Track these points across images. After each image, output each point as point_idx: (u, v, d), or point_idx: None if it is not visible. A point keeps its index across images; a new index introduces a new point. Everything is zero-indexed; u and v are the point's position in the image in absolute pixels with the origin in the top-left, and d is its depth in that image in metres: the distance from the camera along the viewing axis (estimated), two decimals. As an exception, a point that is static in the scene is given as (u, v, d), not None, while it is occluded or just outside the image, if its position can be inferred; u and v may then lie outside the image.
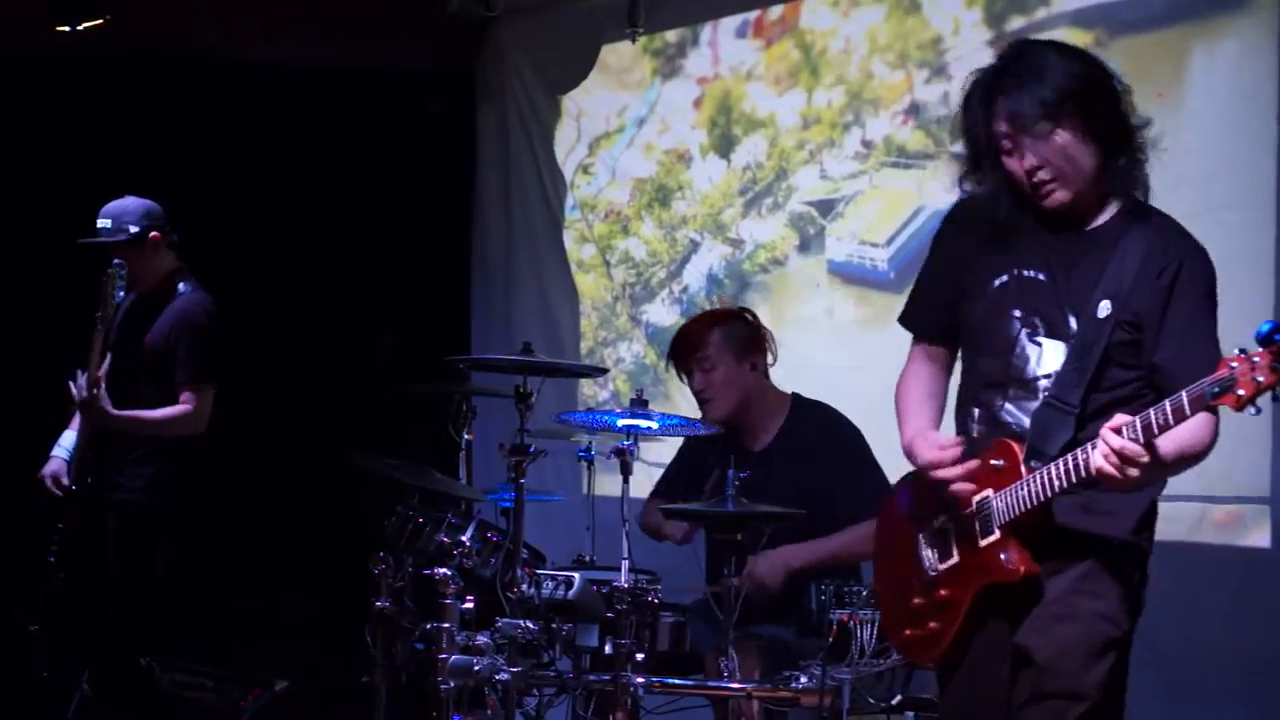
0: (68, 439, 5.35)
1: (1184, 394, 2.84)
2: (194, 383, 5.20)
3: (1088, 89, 3.11)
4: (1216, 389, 2.78)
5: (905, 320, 3.45)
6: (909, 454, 3.30)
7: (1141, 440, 2.88)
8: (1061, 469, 3.03)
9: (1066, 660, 3.07)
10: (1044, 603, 3.11)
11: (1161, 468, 2.97)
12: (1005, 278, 3.21)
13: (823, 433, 4.74)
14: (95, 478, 5.21)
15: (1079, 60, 3.16)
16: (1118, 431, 2.89)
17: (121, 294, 5.13)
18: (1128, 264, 3.10)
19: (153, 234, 5.23)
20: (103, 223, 5.25)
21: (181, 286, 5.30)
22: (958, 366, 3.40)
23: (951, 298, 3.31)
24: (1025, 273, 3.19)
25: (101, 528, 5.19)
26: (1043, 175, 3.11)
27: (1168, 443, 2.93)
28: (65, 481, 5.25)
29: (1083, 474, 2.99)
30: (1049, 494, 3.06)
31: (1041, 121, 3.09)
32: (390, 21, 6.72)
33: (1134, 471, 2.90)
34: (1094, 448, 2.94)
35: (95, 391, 5.04)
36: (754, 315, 4.92)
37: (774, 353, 4.86)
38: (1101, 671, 3.07)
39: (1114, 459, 2.89)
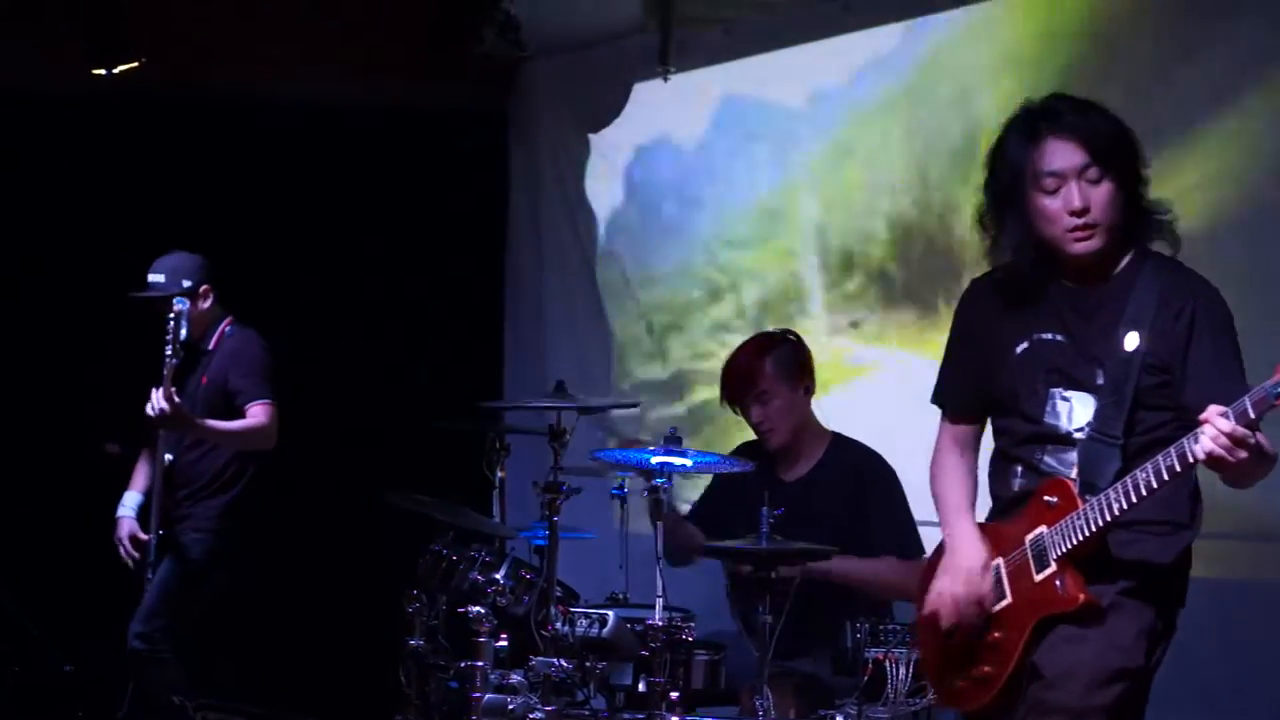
0: (130, 499, 5.56)
1: (1246, 399, 2.89)
2: (259, 398, 5.39)
3: (1127, 144, 3.20)
4: (1278, 390, 2.82)
5: (936, 399, 3.51)
6: (950, 555, 3.34)
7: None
8: (1120, 490, 3.05)
9: (1072, 680, 3.10)
10: (1061, 626, 3.14)
11: (1261, 457, 2.97)
12: (1025, 344, 3.27)
13: (859, 469, 4.72)
14: (171, 515, 5.39)
15: (1116, 118, 3.24)
16: (1225, 416, 2.91)
17: (185, 334, 5.24)
18: (1146, 301, 3.17)
19: (204, 287, 5.41)
20: (156, 277, 5.44)
21: (227, 329, 5.50)
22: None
23: (976, 375, 3.38)
24: (1044, 336, 3.25)
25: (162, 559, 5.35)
26: (1087, 219, 3.16)
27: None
28: (142, 537, 5.42)
29: (1144, 491, 3.01)
30: (1107, 519, 3.08)
31: (1095, 166, 3.15)
32: (423, 62, 6.77)
33: (1243, 454, 2.90)
34: (1194, 441, 2.94)
35: (174, 403, 5.15)
36: (797, 335, 4.90)
37: (814, 375, 4.85)
38: (1107, 698, 3.09)
39: (1223, 440, 2.90)
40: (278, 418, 5.40)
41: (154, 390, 5.17)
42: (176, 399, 5.17)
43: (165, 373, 5.16)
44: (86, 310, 6.67)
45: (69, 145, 6.73)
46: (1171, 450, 3.00)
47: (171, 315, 5.18)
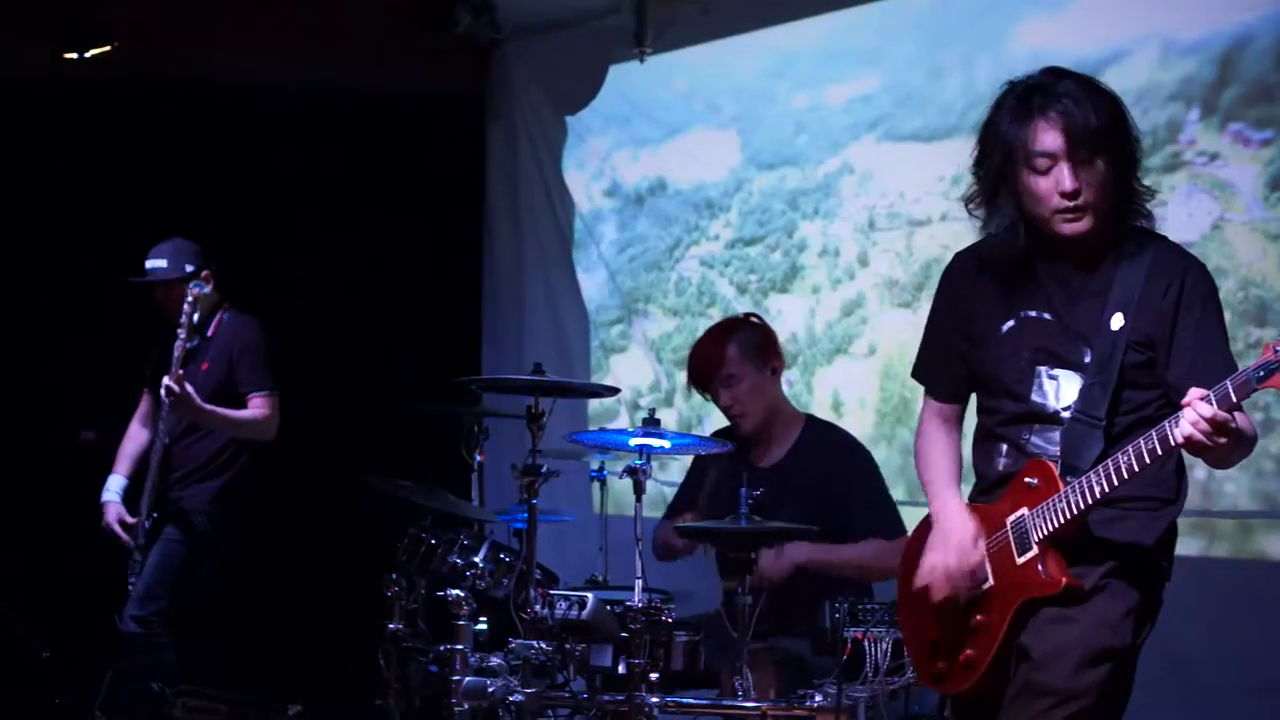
0: (114, 483, 5.60)
1: (1228, 383, 2.86)
2: (261, 390, 5.51)
3: (1122, 124, 3.15)
4: (1261, 373, 2.81)
5: (917, 375, 3.48)
6: (938, 529, 3.29)
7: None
8: (1102, 473, 3.04)
9: (1060, 660, 3.09)
10: (1048, 607, 3.13)
11: (1240, 440, 2.97)
12: (1011, 322, 3.24)
13: (835, 453, 4.73)
14: (163, 499, 5.45)
15: (1111, 95, 3.18)
16: (1206, 400, 2.89)
17: (197, 317, 5.36)
18: (1133, 281, 3.14)
19: (205, 271, 5.47)
20: (157, 263, 5.53)
21: (225, 316, 5.58)
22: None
23: (960, 351, 3.34)
24: (1030, 314, 3.22)
25: (153, 541, 5.42)
26: (1077, 202, 3.12)
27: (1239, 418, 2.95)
28: (130, 520, 5.47)
29: (1125, 474, 3.00)
30: (1088, 502, 3.07)
31: (1088, 148, 3.11)
32: (399, 44, 6.75)
33: (1223, 439, 2.89)
34: (1175, 424, 2.93)
35: (184, 386, 5.22)
36: (760, 318, 4.92)
37: (782, 356, 4.85)
38: (1095, 677, 3.08)
39: (1203, 425, 2.88)
40: (278, 407, 5.52)
41: (164, 377, 5.24)
42: (186, 384, 5.23)
43: (175, 355, 5.25)
44: (63, 297, 6.65)
45: (40, 130, 6.69)
46: (1153, 433, 2.98)
47: (189, 299, 5.27)
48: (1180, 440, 2.91)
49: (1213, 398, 2.88)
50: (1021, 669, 3.14)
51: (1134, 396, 3.14)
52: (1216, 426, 2.87)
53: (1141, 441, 2.99)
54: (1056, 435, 3.18)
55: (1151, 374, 3.13)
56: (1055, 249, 3.20)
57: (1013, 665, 3.16)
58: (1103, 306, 3.15)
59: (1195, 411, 2.87)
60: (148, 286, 5.52)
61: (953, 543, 3.22)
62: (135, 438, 5.70)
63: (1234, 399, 2.86)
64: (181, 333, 5.26)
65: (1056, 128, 3.09)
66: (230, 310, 5.61)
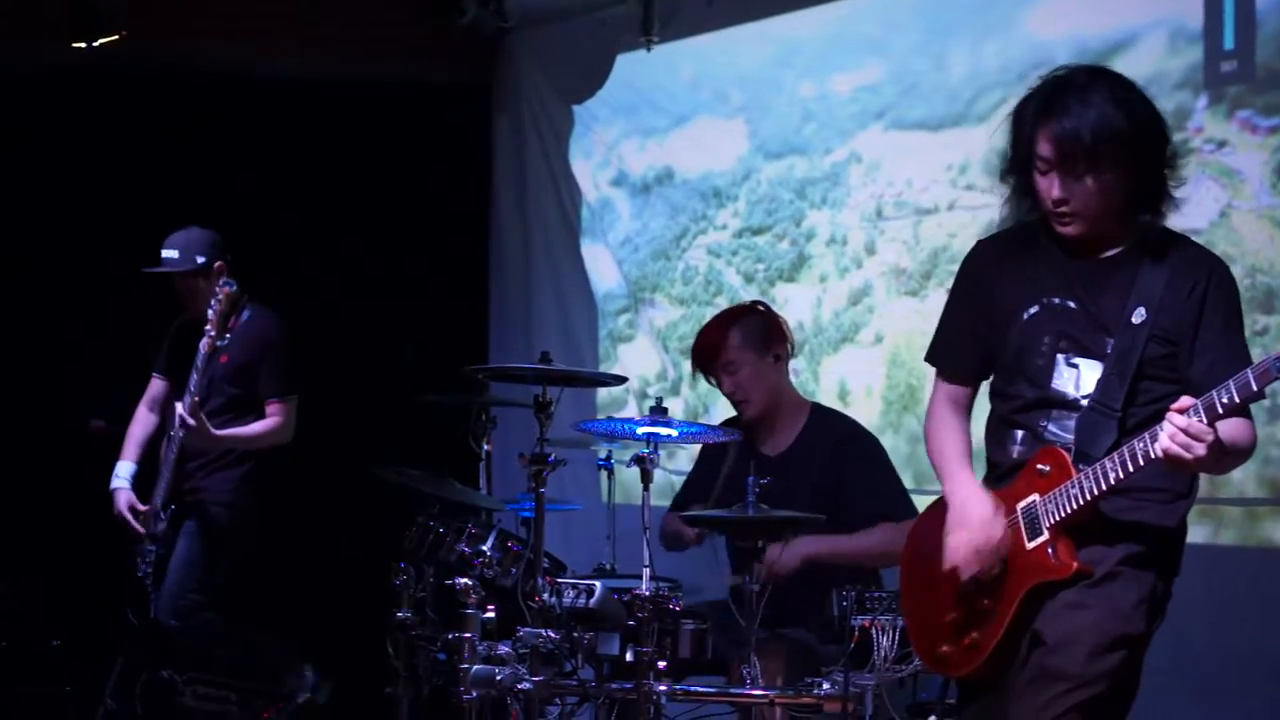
0: (124, 469, 5.60)
1: (1249, 372, 2.90)
2: (280, 396, 5.53)
3: (1130, 135, 3.12)
4: None
5: (931, 358, 3.48)
6: (959, 509, 3.28)
7: (1205, 420, 2.93)
8: (1117, 460, 3.06)
9: (1075, 646, 3.10)
10: (1062, 594, 3.15)
11: (1222, 454, 2.99)
12: (1035, 308, 3.26)
13: (841, 440, 4.73)
14: (181, 489, 5.47)
15: (1128, 100, 3.16)
16: (1183, 412, 2.94)
17: (226, 313, 5.32)
18: (1156, 277, 3.17)
19: (218, 263, 5.49)
20: (170, 253, 5.53)
21: (246, 311, 5.57)
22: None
23: (979, 337, 3.36)
24: (1054, 300, 3.24)
25: (175, 532, 5.45)
26: (1064, 208, 3.16)
27: (1224, 427, 2.97)
28: (141, 508, 5.48)
29: (1140, 461, 3.03)
30: (1101, 489, 3.09)
31: (1077, 161, 3.12)
32: (405, 34, 6.75)
33: (1200, 450, 2.93)
34: (1157, 433, 2.97)
35: (199, 417, 5.24)
36: (766, 306, 4.92)
37: (793, 342, 4.86)
38: (1108, 664, 3.10)
39: (1180, 438, 2.92)
40: (295, 410, 5.54)
41: (179, 401, 5.25)
42: (202, 415, 5.24)
43: (198, 362, 5.22)
44: (70, 286, 6.65)
45: (48, 119, 6.69)
46: (1135, 442, 3.03)
47: (218, 298, 5.24)
48: (1158, 454, 2.96)
49: (1200, 406, 2.93)
50: (1034, 655, 3.15)
51: (1153, 388, 3.16)
52: (1192, 436, 2.91)
53: (1137, 442, 3.04)
54: (1073, 423, 3.20)
55: (1173, 368, 3.16)
56: (1076, 242, 3.23)
57: (1024, 651, 3.18)
58: (1125, 300, 3.17)
59: (1171, 423, 2.93)
60: (165, 275, 5.51)
61: (974, 520, 3.22)
62: (143, 422, 5.68)
63: (1254, 387, 2.89)
64: (211, 330, 5.21)
65: (1050, 139, 3.13)
66: (251, 305, 5.59)
